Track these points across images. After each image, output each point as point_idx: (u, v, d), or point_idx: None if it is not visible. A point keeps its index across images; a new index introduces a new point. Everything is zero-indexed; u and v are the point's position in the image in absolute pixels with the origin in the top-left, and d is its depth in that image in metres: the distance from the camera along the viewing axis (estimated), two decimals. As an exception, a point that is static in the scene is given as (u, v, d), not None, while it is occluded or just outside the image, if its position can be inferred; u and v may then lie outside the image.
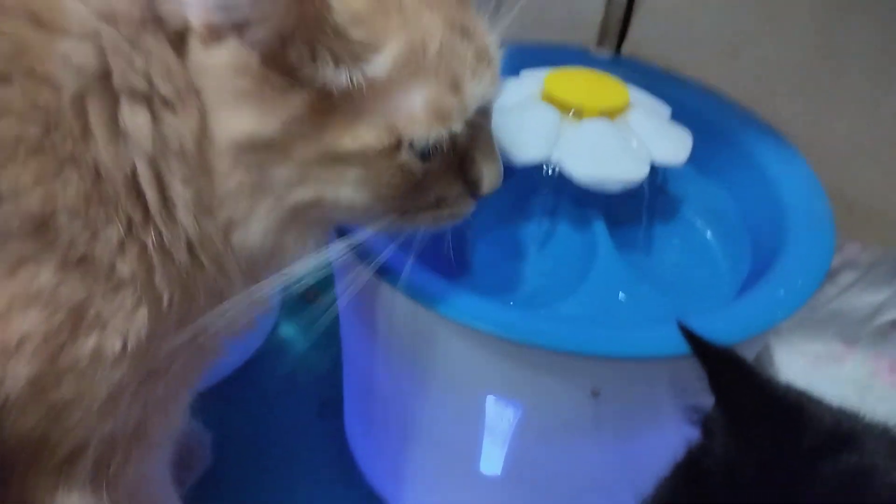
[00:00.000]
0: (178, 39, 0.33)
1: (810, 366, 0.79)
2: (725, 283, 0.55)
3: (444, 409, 0.51)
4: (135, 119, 0.33)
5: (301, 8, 0.31)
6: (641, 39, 0.77)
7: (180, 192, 0.34)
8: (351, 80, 0.33)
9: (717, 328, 0.44)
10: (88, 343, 0.34)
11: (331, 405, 0.68)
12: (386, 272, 0.45)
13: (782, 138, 0.62)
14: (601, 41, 0.78)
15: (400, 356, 0.51)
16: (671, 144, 0.54)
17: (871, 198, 0.78)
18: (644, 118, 0.54)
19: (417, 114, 0.35)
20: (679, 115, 0.59)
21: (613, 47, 0.77)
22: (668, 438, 0.53)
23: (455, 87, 0.36)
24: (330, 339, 0.64)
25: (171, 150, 0.34)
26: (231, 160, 0.35)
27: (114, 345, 0.34)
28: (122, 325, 0.34)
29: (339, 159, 0.35)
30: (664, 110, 0.58)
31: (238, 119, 0.34)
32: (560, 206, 0.53)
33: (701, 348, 0.37)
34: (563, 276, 0.52)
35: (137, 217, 0.34)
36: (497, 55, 0.39)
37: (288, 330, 0.76)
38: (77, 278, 0.33)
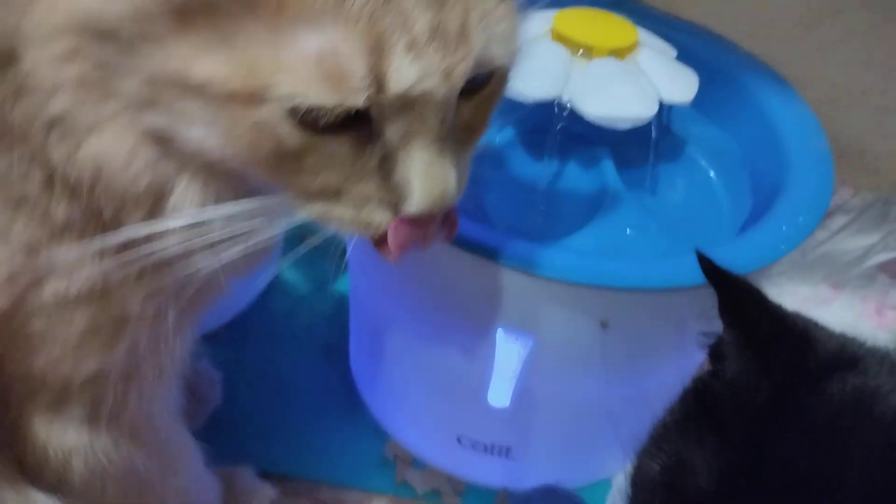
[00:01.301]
0: None
1: (799, 308, 0.81)
2: (728, 221, 0.57)
3: (452, 342, 0.52)
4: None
5: None
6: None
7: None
8: None
9: (725, 260, 0.45)
10: (50, 286, 0.34)
11: (336, 348, 0.69)
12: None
13: (782, 79, 0.63)
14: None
15: (408, 290, 0.52)
16: (678, 83, 0.54)
17: (863, 142, 0.79)
18: (652, 57, 0.55)
19: (300, 64, 0.27)
20: (681, 58, 0.59)
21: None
22: (673, 369, 0.55)
23: (375, 51, 0.28)
24: (335, 283, 0.64)
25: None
26: (71, 41, 0.29)
27: (69, 287, 0.34)
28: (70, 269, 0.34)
29: (189, 88, 0.28)
30: (671, 51, 0.59)
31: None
32: (569, 144, 0.54)
33: (715, 275, 0.38)
34: (572, 212, 0.53)
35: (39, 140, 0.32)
36: (477, 46, 0.30)
37: (291, 273, 0.76)
38: (23, 219, 0.33)
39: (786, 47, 0.74)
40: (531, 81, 0.51)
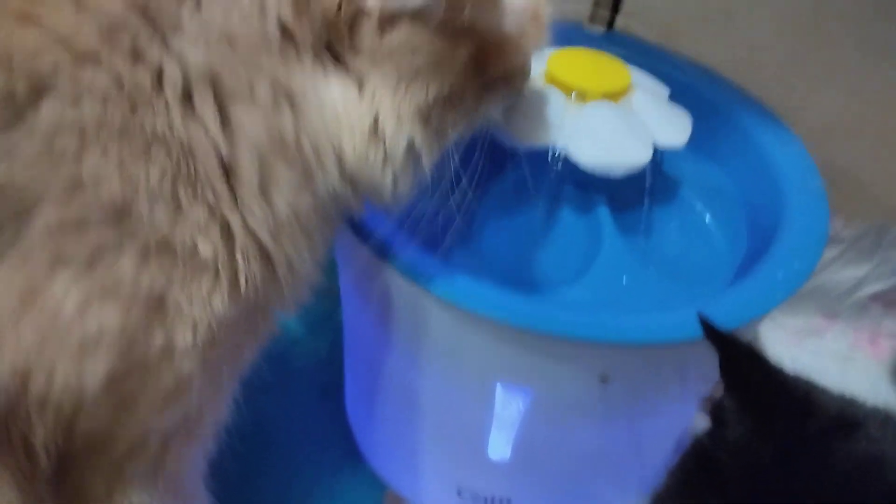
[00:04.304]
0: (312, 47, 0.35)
1: (792, 338, 0.82)
2: (724, 264, 0.56)
3: (450, 394, 0.52)
4: (246, 116, 0.33)
5: None
6: (635, 11, 0.77)
7: (284, 175, 0.35)
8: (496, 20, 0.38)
9: (721, 313, 0.45)
10: (162, 334, 0.33)
11: (331, 389, 0.68)
12: (390, 255, 0.45)
13: (776, 117, 0.63)
14: (595, 12, 0.77)
15: (405, 342, 0.51)
16: (672, 127, 0.54)
17: (855, 172, 0.79)
18: (645, 100, 0.54)
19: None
20: (674, 93, 0.59)
21: (607, 19, 0.77)
22: (674, 421, 0.54)
23: None
24: (328, 324, 0.64)
25: (275, 141, 0.34)
26: (409, 126, 0.37)
27: (186, 335, 0.33)
28: (199, 312, 0.33)
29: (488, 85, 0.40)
30: (663, 91, 0.59)
31: (418, 88, 0.37)
32: (564, 190, 0.53)
33: (717, 338, 0.38)
34: (568, 261, 0.52)
35: (225, 196, 0.33)
36: None
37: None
38: (157, 266, 0.32)
39: (778, 80, 0.75)
40: (526, 128, 0.50)
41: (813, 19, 0.73)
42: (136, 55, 0.31)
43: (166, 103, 0.31)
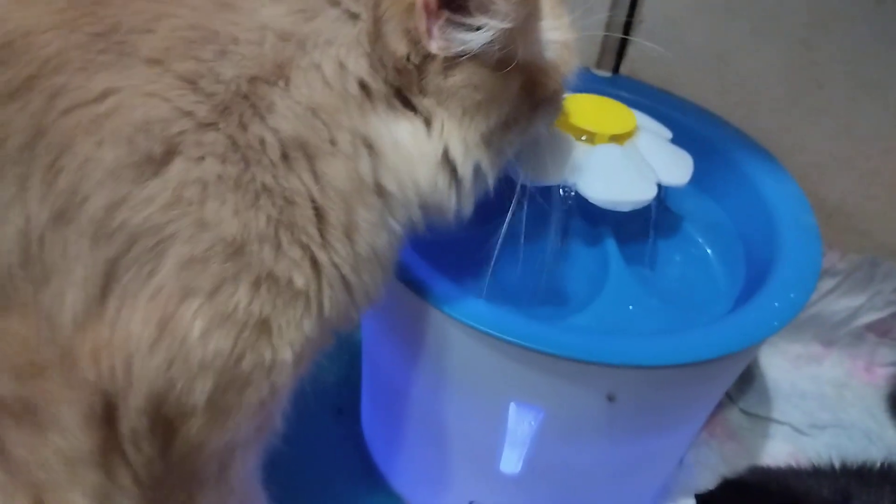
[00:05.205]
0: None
1: (791, 365, 0.85)
2: (723, 294, 0.60)
3: (466, 412, 0.55)
4: (329, 167, 0.38)
5: (526, 24, 0.39)
6: (638, 58, 0.81)
7: (364, 218, 0.39)
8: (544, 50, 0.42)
9: (720, 339, 0.49)
10: (264, 353, 0.37)
11: (347, 410, 0.71)
12: (411, 281, 0.49)
13: (773, 158, 0.67)
14: (601, 59, 0.82)
15: (424, 363, 0.55)
16: (675, 167, 0.58)
17: (849, 206, 0.82)
18: (650, 142, 0.59)
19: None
20: (676, 133, 0.64)
21: (612, 64, 0.82)
22: (677, 438, 0.58)
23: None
24: (345, 345, 0.67)
25: (356, 186, 0.39)
26: (475, 152, 0.42)
27: (284, 353, 0.37)
28: (294, 334, 0.38)
29: (536, 106, 0.45)
30: (666, 133, 0.63)
31: (481, 119, 0.41)
32: (574, 224, 0.57)
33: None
34: (578, 288, 0.56)
35: (316, 238, 0.38)
36: None
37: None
38: (265, 294, 0.36)
39: (773, 119, 0.79)
40: (542, 168, 0.55)
41: (803, 63, 0.76)
42: (244, 126, 0.36)
43: (271, 161, 0.36)
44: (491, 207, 0.49)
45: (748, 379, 0.83)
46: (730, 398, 0.81)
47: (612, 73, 0.81)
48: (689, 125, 0.68)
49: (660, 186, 0.58)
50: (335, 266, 0.39)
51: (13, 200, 0.33)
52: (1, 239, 0.33)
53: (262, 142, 0.36)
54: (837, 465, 0.41)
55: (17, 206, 0.33)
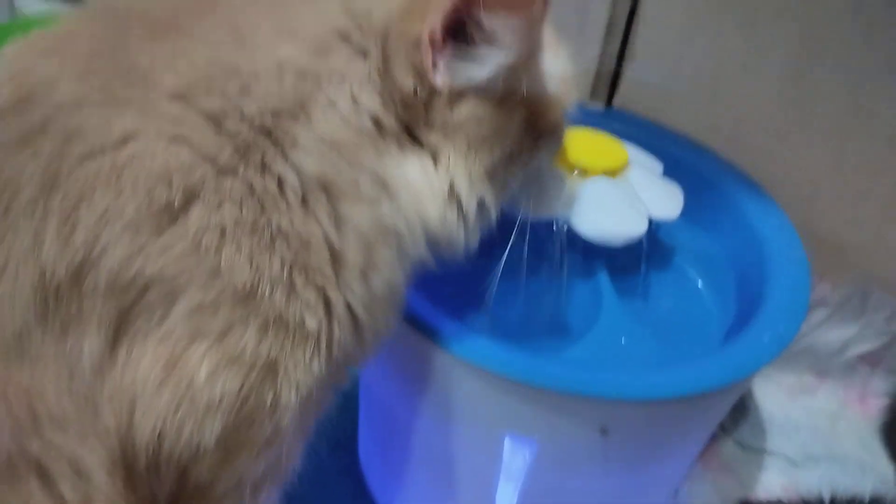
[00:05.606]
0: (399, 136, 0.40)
1: (785, 396, 0.85)
2: (715, 326, 0.61)
3: (462, 444, 0.55)
4: (349, 210, 0.38)
5: (530, 58, 0.40)
6: (631, 90, 0.83)
7: (384, 256, 0.40)
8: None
9: (712, 373, 0.49)
10: (271, 394, 0.37)
11: (344, 443, 0.71)
12: (408, 316, 0.49)
13: (763, 191, 0.68)
14: (594, 91, 0.83)
15: (420, 396, 0.55)
16: (666, 201, 0.59)
17: (840, 236, 0.83)
18: (641, 176, 0.60)
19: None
20: (667, 165, 0.65)
21: (605, 97, 0.83)
22: (670, 470, 0.58)
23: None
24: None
25: (378, 228, 0.39)
26: (479, 185, 0.43)
27: (290, 394, 0.37)
28: (301, 375, 0.37)
29: (538, 139, 0.45)
30: (657, 166, 0.64)
31: (486, 152, 0.42)
32: (567, 258, 0.58)
33: None
34: (571, 321, 0.57)
35: (332, 280, 0.38)
36: None
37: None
38: (274, 337, 0.36)
39: (764, 151, 0.80)
40: (535, 203, 0.55)
41: (795, 94, 0.78)
42: (264, 168, 0.36)
43: (288, 204, 0.36)
44: (487, 240, 0.49)
45: (742, 411, 0.83)
46: (724, 430, 0.81)
47: (606, 105, 0.82)
48: (681, 157, 0.69)
49: (652, 221, 0.59)
50: (348, 306, 0.39)
51: (27, 255, 0.32)
52: (16, 294, 0.32)
53: (282, 182, 0.36)
54: (827, 499, 0.41)
55: (31, 260, 0.32)
